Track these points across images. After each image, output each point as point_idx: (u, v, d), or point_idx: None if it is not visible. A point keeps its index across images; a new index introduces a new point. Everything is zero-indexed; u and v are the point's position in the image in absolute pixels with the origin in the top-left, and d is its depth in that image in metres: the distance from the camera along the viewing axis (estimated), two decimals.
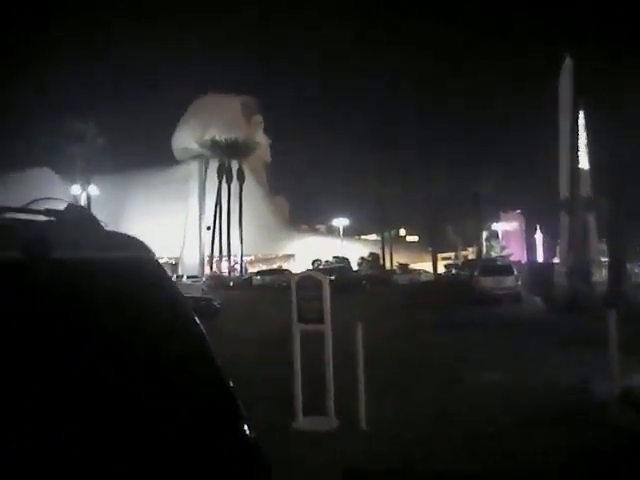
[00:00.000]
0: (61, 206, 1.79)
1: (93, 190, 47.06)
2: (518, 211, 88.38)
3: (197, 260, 64.83)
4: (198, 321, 1.68)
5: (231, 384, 1.58)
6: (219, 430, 1.50)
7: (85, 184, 47.48)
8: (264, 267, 60.24)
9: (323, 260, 54.11)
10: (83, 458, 1.28)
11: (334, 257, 55.46)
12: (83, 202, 41.73)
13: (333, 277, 28.11)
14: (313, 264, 51.13)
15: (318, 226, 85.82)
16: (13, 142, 54.57)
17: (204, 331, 1.66)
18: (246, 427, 1.54)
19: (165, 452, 1.39)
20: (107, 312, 1.50)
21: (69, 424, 1.30)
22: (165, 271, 1.77)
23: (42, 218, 1.74)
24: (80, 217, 1.75)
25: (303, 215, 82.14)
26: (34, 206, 1.80)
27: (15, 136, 55.70)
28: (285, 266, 61.27)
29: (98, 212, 2.22)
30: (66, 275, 1.47)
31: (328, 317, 6.16)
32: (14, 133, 56.26)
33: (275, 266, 61.35)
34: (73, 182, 48.11)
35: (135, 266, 1.66)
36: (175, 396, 1.47)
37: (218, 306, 19.52)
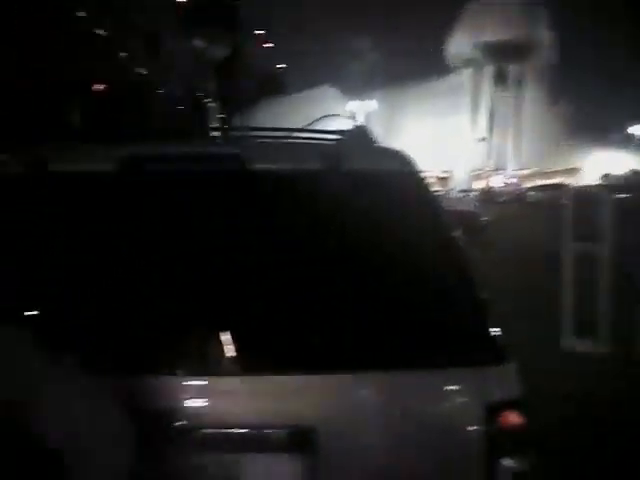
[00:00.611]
0: (341, 122, 2.18)
1: (371, 105, 49.64)
2: None
3: (468, 174, 63.92)
4: (458, 235, 1.87)
5: (484, 297, 1.75)
6: (468, 332, 1.71)
7: (363, 99, 50.41)
8: (542, 182, 56.28)
9: (615, 174, 47.71)
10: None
11: (631, 170, 48.42)
12: (361, 117, 44.58)
13: (624, 195, 24.63)
14: (602, 179, 45.58)
15: (610, 135, 74.97)
16: (300, 65, 60.33)
17: (462, 243, 1.84)
18: (494, 333, 1.71)
19: (423, 340, 1.70)
20: (375, 220, 1.77)
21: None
22: (429, 187, 1.95)
23: (332, 136, 2.16)
24: (362, 135, 2.10)
25: (591, 123, 72.27)
26: (321, 123, 2.24)
27: (299, 59, 61.18)
28: (567, 181, 56.10)
29: (372, 127, 2.55)
30: (351, 185, 1.78)
31: (607, 237, 5.67)
32: (300, 57, 62.00)
33: (555, 181, 56.72)
34: (351, 98, 51.45)
35: (402, 179, 1.87)
36: (429, 299, 1.72)
37: (486, 222, 19.27)
